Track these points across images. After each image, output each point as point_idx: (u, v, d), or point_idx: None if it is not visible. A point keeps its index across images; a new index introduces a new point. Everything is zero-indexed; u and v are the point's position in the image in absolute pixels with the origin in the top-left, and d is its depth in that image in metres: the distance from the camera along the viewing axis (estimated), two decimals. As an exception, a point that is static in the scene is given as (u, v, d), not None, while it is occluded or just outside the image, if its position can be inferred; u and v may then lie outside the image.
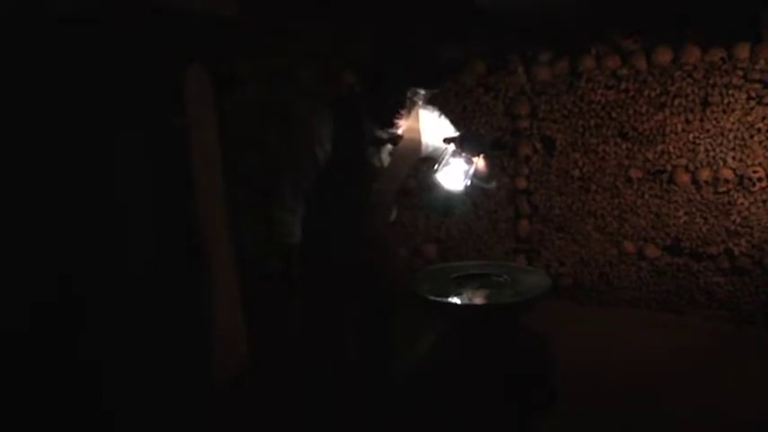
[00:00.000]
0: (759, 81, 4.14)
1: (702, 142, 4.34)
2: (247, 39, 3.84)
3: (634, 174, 4.56)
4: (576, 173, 4.76)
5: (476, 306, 3.05)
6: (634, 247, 4.67)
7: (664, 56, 4.40)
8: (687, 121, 4.37)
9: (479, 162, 2.63)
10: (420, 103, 2.60)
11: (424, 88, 2.52)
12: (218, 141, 3.63)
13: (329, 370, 2.88)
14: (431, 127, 2.76)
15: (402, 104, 2.53)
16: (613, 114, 4.57)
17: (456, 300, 3.02)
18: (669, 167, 4.47)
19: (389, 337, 3.02)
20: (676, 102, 4.37)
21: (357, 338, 2.96)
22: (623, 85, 4.50)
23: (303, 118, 2.77)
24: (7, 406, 2.81)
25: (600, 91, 4.58)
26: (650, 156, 4.51)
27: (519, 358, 3.12)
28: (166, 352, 3.34)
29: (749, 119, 4.19)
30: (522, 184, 4.95)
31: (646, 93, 4.44)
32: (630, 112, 4.51)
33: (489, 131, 4.92)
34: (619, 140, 4.59)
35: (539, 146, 4.85)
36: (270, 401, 3.36)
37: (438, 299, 2.95)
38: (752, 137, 4.21)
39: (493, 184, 2.82)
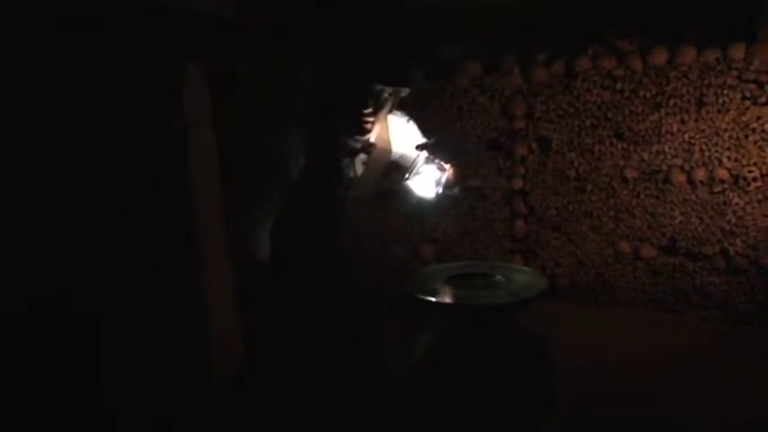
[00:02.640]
0: (754, 81, 4.16)
1: (698, 142, 4.36)
2: (247, 39, 3.83)
3: (630, 174, 4.58)
4: (572, 173, 4.77)
5: (451, 305, 3.07)
6: (630, 247, 4.69)
7: (659, 56, 4.42)
8: (682, 122, 4.39)
9: (450, 169, 2.62)
10: (389, 105, 2.58)
11: (389, 86, 2.49)
12: (216, 141, 3.62)
13: (322, 372, 2.88)
14: (400, 134, 2.75)
15: (365, 104, 2.49)
16: (609, 115, 4.58)
17: (443, 299, 3.04)
18: (665, 167, 4.49)
19: (375, 340, 3.00)
20: (672, 102, 4.39)
21: (345, 344, 2.94)
22: (619, 86, 4.52)
23: (279, 133, 2.74)
24: (4, 406, 2.79)
25: (596, 91, 4.59)
26: (646, 156, 4.52)
27: (515, 359, 3.13)
28: (164, 352, 3.32)
29: (744, 119, 4.22)
30: (518, 184, 4.95)
31: (641, 93, 4.46)
32: (626, 112, 4.53)
33: (485, 132, 4.93)
34: (614, 140, 4.61)
35: (535, 146, 4.86)
36: (266, 402, 3.35)
37: (425, 298, 2.98)
38: (747, 137, 4.23)
39: (456, 191, 2.80)
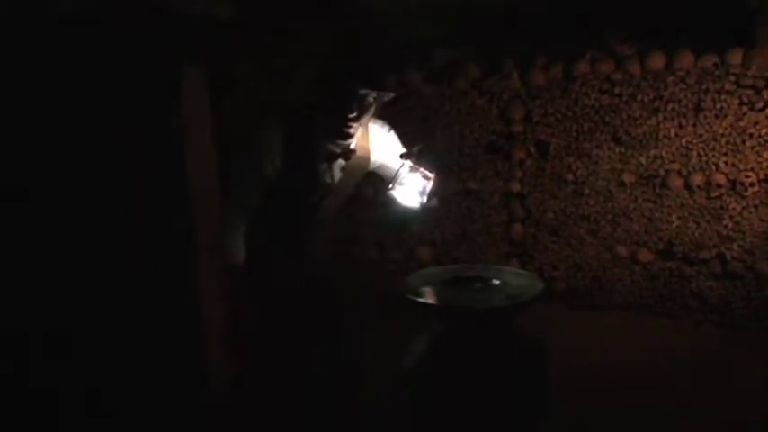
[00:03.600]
0: (751, 87, 4.17)
1: (695, 147, 4.37)
2: (247, 39, 3.83)
3: (627, 178, 4.59)
4: (570, 177, 4.78)
5: (448, 308, 3.08)
6: (627, 251, 4.69)
7: (657, 61, 4.44)
8: (680, 126, 4.40)
9: (434, 178, 2.60)
10: (372, 109, 2.54)
11: (372, 89, 2.46)
12: (214, 142, 3.62)
13: (301, 372, 2.86)
14: (379, 143, 2.72)
15: (350, 109, 2.45)
16: (607, 119, 4.59)
17: (440, 302, 3.06)
18: (662, 172, 4.49)
19: (349, 343, 2.99)
20: (669, 107, 4.40)
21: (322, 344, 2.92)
22: (617, 90, 4.53)
23: (256, 133, 2.69)
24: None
25: (594, 95, 4.60)
26: (643, 160, 4.53)
27: (513, 360, 3.14)
28: (162, 352, 3.31)
29: (741, 124, 4.23)
30: (515, 187, 4.96)
31: (639, 98, 4.47)
32: (624, 116, 4.54)
33: (483, 135, 4.94)
34: (612, 145, 4.62)
35: (533, 150, 4.87)
36: (261, 404, 3.35)
37: (422, 300, 2.99)
38: (744, 142, 4.24)
39: (433, 202, 2.76)
